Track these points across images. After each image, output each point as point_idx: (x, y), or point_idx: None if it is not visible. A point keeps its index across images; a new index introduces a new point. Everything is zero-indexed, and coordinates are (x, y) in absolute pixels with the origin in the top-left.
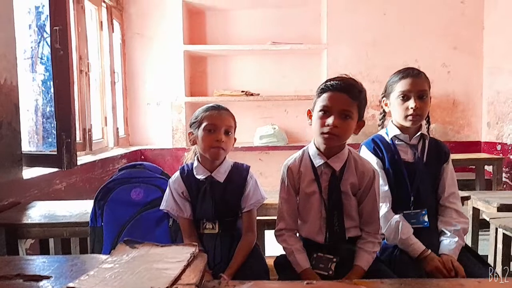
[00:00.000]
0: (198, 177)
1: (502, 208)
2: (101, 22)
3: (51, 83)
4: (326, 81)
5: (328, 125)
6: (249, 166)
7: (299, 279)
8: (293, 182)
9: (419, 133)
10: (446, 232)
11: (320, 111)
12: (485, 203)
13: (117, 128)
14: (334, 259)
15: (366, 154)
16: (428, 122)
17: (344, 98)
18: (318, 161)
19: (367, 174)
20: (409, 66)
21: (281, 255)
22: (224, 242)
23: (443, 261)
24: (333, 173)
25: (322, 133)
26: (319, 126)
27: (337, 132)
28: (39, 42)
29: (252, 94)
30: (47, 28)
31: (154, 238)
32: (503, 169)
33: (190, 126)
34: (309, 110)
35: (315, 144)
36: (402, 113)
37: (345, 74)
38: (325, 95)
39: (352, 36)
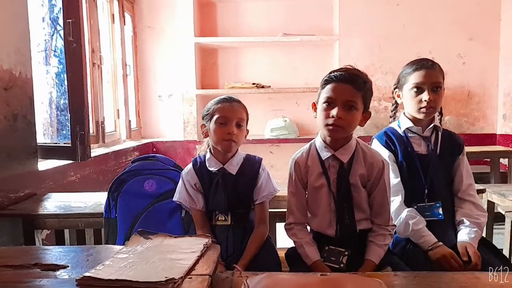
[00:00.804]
0: (211, 169)
1: None
2: (113, 15)
3: (65, 75)
4: (330, 73)
5: (332, 117)
6: (261, 158)
7: (310, 272)
8: (300, 176)
9: (432, 125)
10: (465, 221)
11: (324, 102)
12: (500, 196)
13: (129, 121)
14: (346, 252)
15: (378, 147)
16: (441, 114)
17: (348, 89)
18: (325, 154)
19: (376, 165)
20: (422, 57)
21: (291, 247)
22: (236, 234)
23: (458, 250)
24: (341, 165)
25: (327, 125)
26: (323, 118)
27: (341, 124)
28: (53, 35)
29: (263, 87)
30: (60, 21)
31: (167, 229)
32: None
33: (203, 119)
34: (313, 102)
35: (321, 137)
36: (416, 106)
37: (350, 66)
38: (328, 87)
39: (365, 28)
